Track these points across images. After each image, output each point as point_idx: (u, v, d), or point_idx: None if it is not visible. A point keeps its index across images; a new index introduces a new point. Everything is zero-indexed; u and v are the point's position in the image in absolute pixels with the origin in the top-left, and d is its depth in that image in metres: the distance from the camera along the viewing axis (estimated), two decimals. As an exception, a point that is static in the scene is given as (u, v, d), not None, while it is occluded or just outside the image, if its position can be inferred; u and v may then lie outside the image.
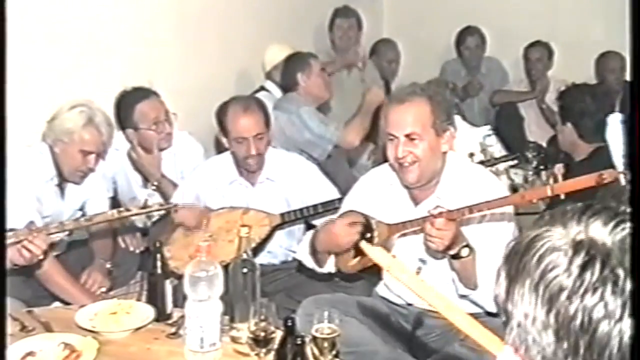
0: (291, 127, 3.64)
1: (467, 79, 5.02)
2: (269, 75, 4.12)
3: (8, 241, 2.16)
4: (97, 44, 3.34)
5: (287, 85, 3.85)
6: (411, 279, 1.07)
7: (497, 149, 3.20)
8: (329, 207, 2.77)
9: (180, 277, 2.25)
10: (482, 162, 2.90)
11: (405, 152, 2.17)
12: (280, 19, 4.57)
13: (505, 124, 4.63)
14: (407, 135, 2.17)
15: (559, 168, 3.28)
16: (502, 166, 3.09)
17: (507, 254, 0.83)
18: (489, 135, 3.26)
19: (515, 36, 5.03)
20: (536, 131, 4.69)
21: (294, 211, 2.81)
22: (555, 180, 2.00)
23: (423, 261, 2.30)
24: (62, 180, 2.72)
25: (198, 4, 3.92)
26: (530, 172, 3.45)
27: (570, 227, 0.78)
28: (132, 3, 3.54)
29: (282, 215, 2.80)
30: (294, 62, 3.86)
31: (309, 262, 2.45)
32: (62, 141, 2.62)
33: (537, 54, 4.81)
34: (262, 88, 4.09)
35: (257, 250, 2.75)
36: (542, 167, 3.47)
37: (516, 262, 0.80)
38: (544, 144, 4.42)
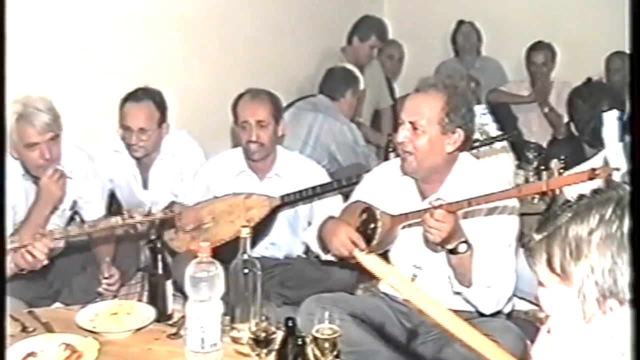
0: (343, 135, 3.85)
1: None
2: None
3: (12, 245, 2.18)
4: (99, 44, 3.35)
5: (330, 94, 4.01)
6: (407, 286, 1.07)
7: (492, 128, 3.24)
8: (328, 188, 2.81)
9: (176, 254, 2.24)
10: (478, 141, 2.92)
11: (405, 139, 2.21)
12: (281, 20, 4.57)
13: (500, 123, 4.63)
14: (412, 123, 2.20)
15: (555, 164, 3.31)
16: (497, 145, 3.13)
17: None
18: (484, 114, 3.29)
19: (517, 37, 5.02)
20: (537, 132, 4.68)
21: (294, 193, 2.82)
22: (551, 176, 2.04)
23: (418, 268, 2.32)
24: (34, 178, 2.71)
25: (200, 5, 3.92)
26: (531, 173, 3.46)
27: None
28: (134, 4, 3.54)
29: (282, 197, 2.82)
30: (348, 77, 4.07)
31: (314, 246, 2.48)
32: (10, 141, 2.61)
33: (542, 58, 4.72)
34: None
35: (259, 238, 2.80)
36: (542, 167, 3.48)
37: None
38: (545, 145, 4.42)
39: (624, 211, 0.87)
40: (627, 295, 0.85)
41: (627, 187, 0.89)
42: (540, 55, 4.75)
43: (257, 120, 2.83)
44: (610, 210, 0.88)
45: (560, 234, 0.91)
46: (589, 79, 3.65)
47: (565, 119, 4.33)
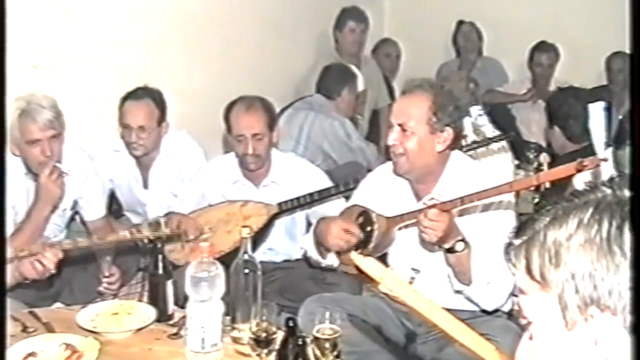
0: (335, 131, 3.85)
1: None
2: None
3: (21, 254, 2.18)
4: (101, 44, 3.35)
5: (327, 93, 4.02)
6: (404, 289, 1.07)
7: (489, 129, 3.24)
8: (325, 194, 2.79)
9: (177, 268, 2.25)
10: (475, 142, 2.93)
11: (395, 142, 2.23)
12: (283, 21, 4.57)
13: (498, 123, 4.63)
14: (400, 125, 2.22)
15: (544, 157, 3.32)
16: (495, 146, 3.13)
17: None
18: (480, 115, 3.29)
19: (518, 37, 5.01)
20: (537, 132, 4.67)
21: (291, 200, 2.80)
22: (541, 170, 2.04)
23: (416, 270, 2.32)
24: (36, 176, 2.71)
25: (202, 7, 3.92)
26: (532, 173, 3.45)
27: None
28: (137, 5, 3.54)
29: (279, 204, 2.80)
30: (344, 75, 4.08)
31: (313, 252, 2.48)
32: (12, 138, 2.61)
33: (547, 59, 4.72)
34: None
35: (256, 243, 2.77)
36: (542, 167, 3.48)
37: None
38: (545, 145, 4.42)
39: (602, 215, 0.85)
40: (607, 301, 0.83)
41: (607, 190, 0.88)
42: (545, 55, 4.74)
43: (253, 133, 2.78)
44: (588, 214, 0.86)
45: (539, 239, 0.89)
46: (559, 88, 3.70)
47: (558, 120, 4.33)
